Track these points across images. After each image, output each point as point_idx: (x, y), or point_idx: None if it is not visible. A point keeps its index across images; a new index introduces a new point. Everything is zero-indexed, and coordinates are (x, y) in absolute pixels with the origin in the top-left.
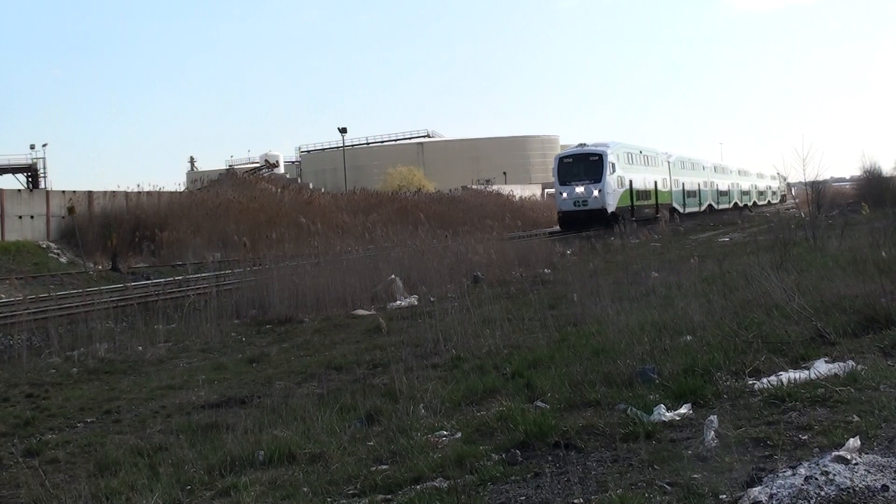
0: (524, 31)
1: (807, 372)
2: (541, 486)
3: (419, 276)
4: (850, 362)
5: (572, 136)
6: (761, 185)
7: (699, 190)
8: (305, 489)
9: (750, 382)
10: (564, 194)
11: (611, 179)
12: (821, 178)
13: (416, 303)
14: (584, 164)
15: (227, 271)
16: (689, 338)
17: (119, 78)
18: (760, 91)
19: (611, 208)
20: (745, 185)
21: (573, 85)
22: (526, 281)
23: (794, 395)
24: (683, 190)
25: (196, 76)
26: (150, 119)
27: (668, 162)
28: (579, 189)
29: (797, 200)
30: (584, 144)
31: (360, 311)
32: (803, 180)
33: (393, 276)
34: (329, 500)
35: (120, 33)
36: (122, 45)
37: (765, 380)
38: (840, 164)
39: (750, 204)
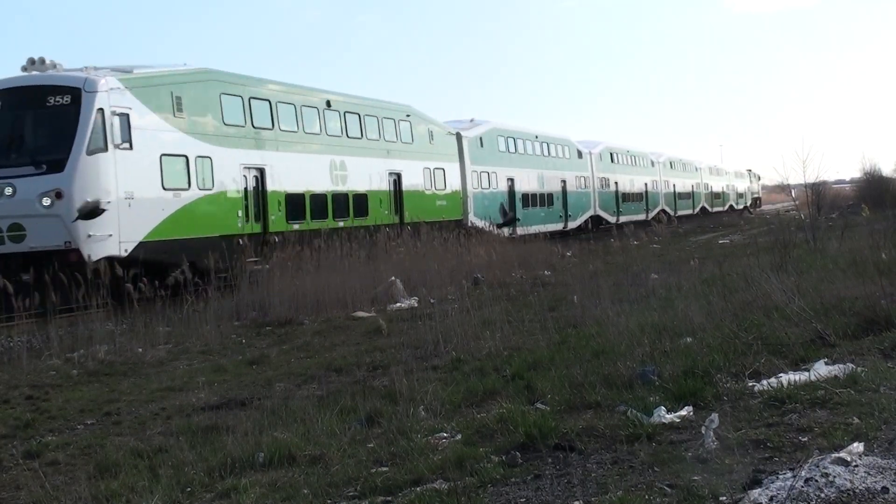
0: (525, 32)
1: (807, 374)
2: (541, 487)
3: (419, 277)
4: (850, 364)
5: (572, 136)
6: (718, 185)
7: (562, 192)
8: (305, 491)
9: (750, 384)
10: None
11: (94, 162)
12: (821, 180)
13: (416, 304)
14: (28, 117)
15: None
16: (689, 339)
17: None
18: (760, 93)
19: (117, 251)
20: (685, 185)
21: (572, 84)
22: (526, 282)
23: (794, 397)
24: (511, 192)
25: None
26: None
27: (465, 140)
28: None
29: (797, 202)
30: (43, 63)
31: (361, 313)
32: (804, 182)
33: (393, 278)
34: (329, 501)
35: (119, 34)
36: (121, 46)
37: (765, 381)
38: (840, 165)
39: (695, 211)
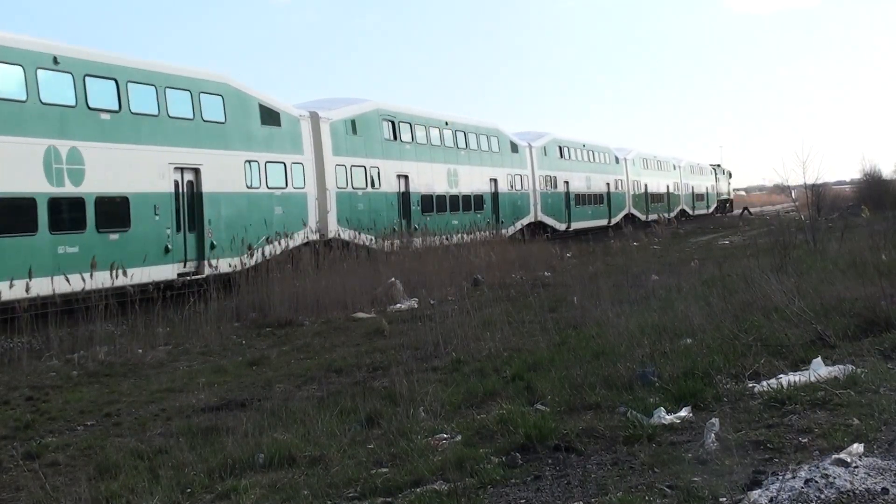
0: (525, 32)
1: (807, 375)
2: (541, 489)
3: (419, 278)
4: (850, 365)
5: (572, 136)
6: (658, 185)
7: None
8: (305, 492)
9: (750, 385)
10: None
11: None
12: (821, 181)
13: (416, 305)
14: None
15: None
16: (689, 341)
17: None
18: (759, 94)
19: None
20: (594, 184)
21: (573, 85)
22: (526, 284)
23: (794, 398)
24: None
25: None
26: None
27: None
28: None
29: (797, 203)
30: None
31: (361, 314)
32: (803, 183)
33: (393, 279)
34: (329, 502)
35: (119, 34)
36: (120, 46)
37: (765, 383)
38: (840, 167)
39: (611, 221)
